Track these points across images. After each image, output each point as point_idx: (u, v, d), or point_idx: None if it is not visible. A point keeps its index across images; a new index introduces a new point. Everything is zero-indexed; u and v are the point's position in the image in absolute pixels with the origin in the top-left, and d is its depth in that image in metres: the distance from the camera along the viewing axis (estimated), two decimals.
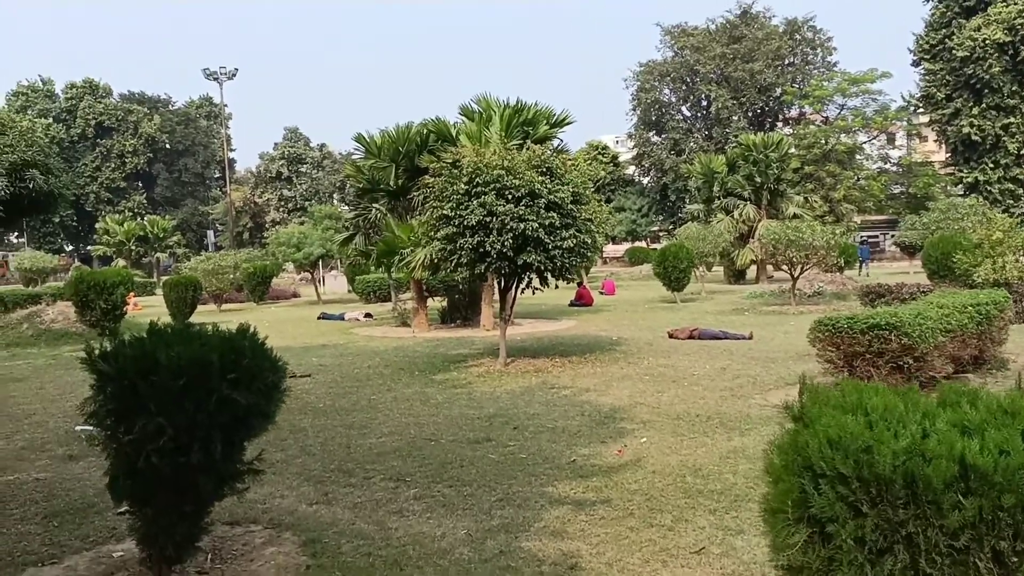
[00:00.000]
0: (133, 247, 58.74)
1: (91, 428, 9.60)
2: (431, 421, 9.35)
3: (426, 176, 15.17)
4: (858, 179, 49.25)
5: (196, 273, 27.90)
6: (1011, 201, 45.49)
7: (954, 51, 46.04)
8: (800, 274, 22.34)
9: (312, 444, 8.40)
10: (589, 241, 13.05)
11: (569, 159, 13.78)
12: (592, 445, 7.89)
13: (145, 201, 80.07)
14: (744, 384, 10.92)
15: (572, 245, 12.60)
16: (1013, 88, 45.35)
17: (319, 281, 36.08)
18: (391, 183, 20.01)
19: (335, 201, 74.08)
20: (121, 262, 55.49)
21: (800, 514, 2.91)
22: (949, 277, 21.75)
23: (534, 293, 13.72)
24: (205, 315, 25.92)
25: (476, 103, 19.57)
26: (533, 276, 12.96)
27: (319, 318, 24.58)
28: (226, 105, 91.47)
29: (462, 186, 12.54)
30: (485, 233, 12.32)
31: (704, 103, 58.27)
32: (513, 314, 20.67)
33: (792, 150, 35.75)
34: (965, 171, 47.35)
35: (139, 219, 64.44)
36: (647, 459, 7.27)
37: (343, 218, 35.40)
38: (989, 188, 45.70)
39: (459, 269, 12.99)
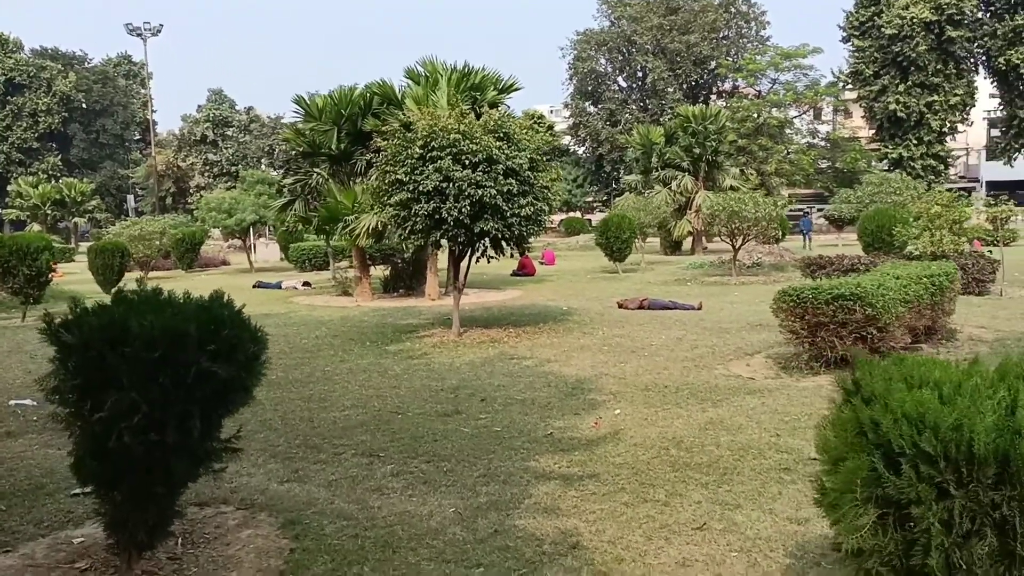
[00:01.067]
0: (49, 211, 56.18)
1: (27, 402, 9.07)
2: (393, 393, 9.03)
3: (376, 139, 14.68)
4: (788, 153, 50.09)
5: (122, 239, 26.68)
6: (932, 177, 46.94)
7: (882, 29, 47.04)
8: (741, 245, 22.55)
9: (272, 418, 8.01)
10: (546, 209, 12.82)
11: (526, 125, 13.47)
12: (566, 417, 7.70)
13: (60, 163, 76.45)
14: (704, 354, 10.88)
15: (530, 213, 12.34)
16: (938, 67, 46.63)
17: (251, 249, 35.01)
18: (333, 147, 19.36)
19: (263, 166, 72.07)
20: (36, 227, 53.00)
21: (869, 494, 2.73)
22: (884, 249, 22.31)
23: (489, 261, 13.43)
24: (132, 283, 24.94)
25: (422, 66, 19.04)
26: (489, 244, 12.64)
27: (255, 286, 23.85)
28: (146, 63, 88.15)
29: (416, 150, 12.12)
30: (441, 199, 11.96)
31: (640, 74, 58.37)
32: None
33: (728, 123, 35.93)
34: (890, 147, 48.63)
35: (55, 182, 61.62)
36: (625, 431, 7.12)
37: (276, 183, 34.39)
38: (912, 164, 47.05)
39: (413, 236, 12.58)
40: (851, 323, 9.18)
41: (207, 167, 75.56)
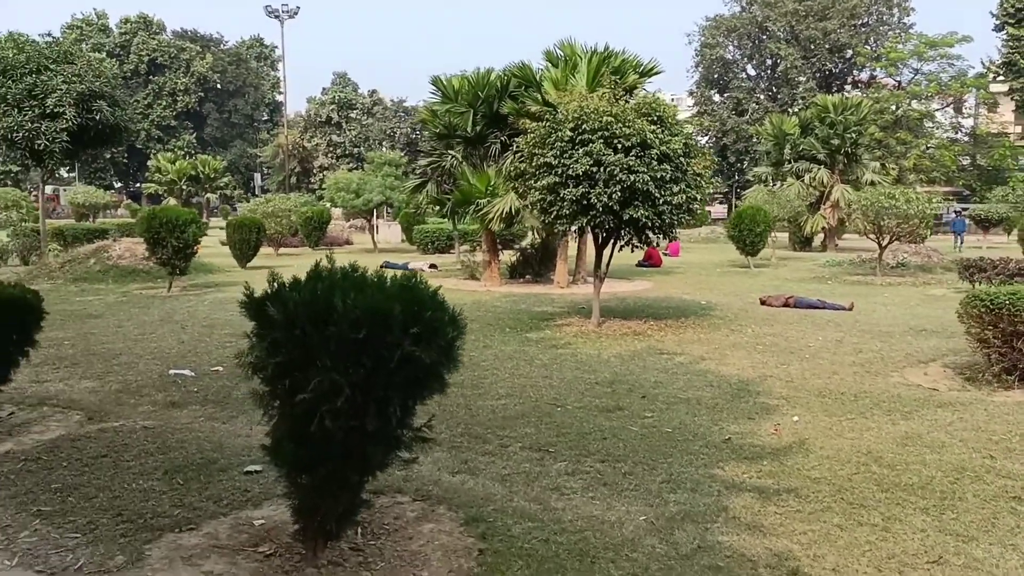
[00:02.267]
0: (184, 186, 58.63)
1: (186, 372, 9.18)
2: (546, 384, 8.69)
3: (521, 121, 14.37)
4: (928, 148, 47.33)
5: (256, 215, 27.41)
6: None
7: None
8: (888, 244, 21.26)
9: (428, 402, 7.77)
10: (698, 197, 12.22)
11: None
12: (740, 421, 7.19)
13: (195, 140, 79.91)
14: (872, 360, 10.11)
15: (682, 201, 11.79)
16: None
17: (375, 229, 35.49)
18: (468, 129, 19.19)
19: (385, 148, 73.34)
20: (172, 201, 55.45)
21: None
22: None
23: (632, 250, 12.94)
24: (264, 259, 25.61)
25: (560, 49, 18.63)
26: (635, 232, 12.13)
27: (382, 267, 23.91)
28: (276, 47, 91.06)
29: (567, 132, 11.73)
30: (590, 184, 11.54)
31: (770, 62, 56.28)
32: (586, 273, 19.97)
33: (869, 114, 34.08)
34: None
35: (190, 158, 64.32)
36: (811, 441, 6.55)
37: (401, 164, 34.72)
38: None
39: (559, 221, 12.21)
40: None
41: (331, 148, 77.47)
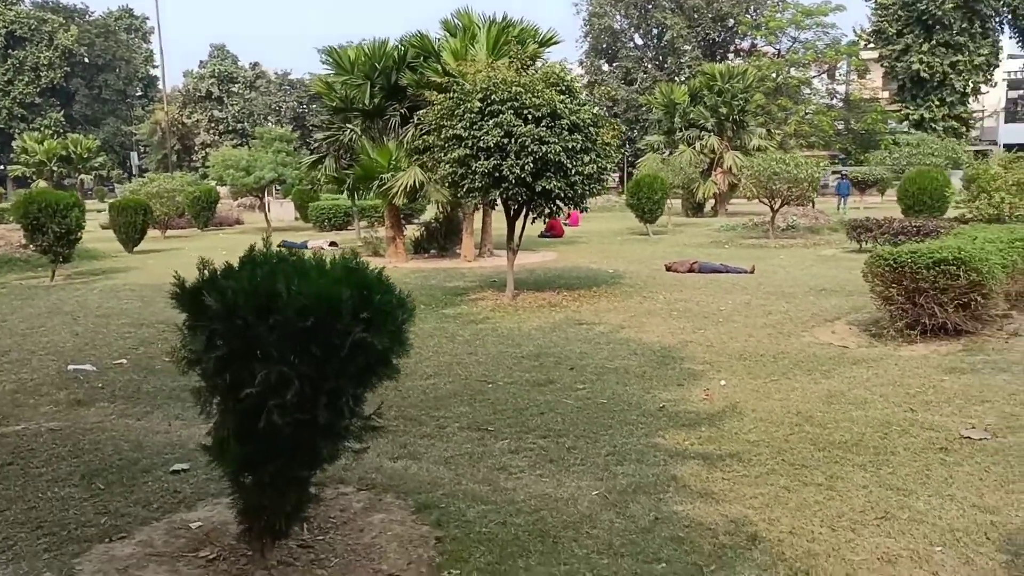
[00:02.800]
0: (55, 168, 55.33)
1: (87, 367, 8.61)
2: (472, 360, 8.58)
3: (426, 93, 14.06)
4: (806, 114, 49.24)
5: (139, 196, 26.04)
6: (953, 139, 46.13)
7: None
8: (779, 207, 21.99)
9: None
10: (608, 167, 12.27)
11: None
12: (670, 388, 7.26)
13: (63, 119, 75.25)
14: (782, 321, 10.42)
15: (593, 171, 11.80)
16: (963, 25, 45.66)
17: (266, 207, 34.34)
18: (366, 102, 18.68)
19: (271, 124, 71.04)
20: (42, 183, 52.19)
21: None
22: (926, 212, 21.78)
23: (545, 222, 12.90)
24: (151, 242, 24.44)
25: (457, 18, 18.34)
26: (549, 203, 12.08)
27: (280, 246, 23.11)
28: (147, 18, 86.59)
29: (476, 103, 11.54)
30: (501, 156, 11.41)
31: (656, 31, 57.17)
32: (492, 246, 19.89)
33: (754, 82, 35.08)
34: (911, 108, 47.80)
35: (59, 138, 60.64)
36: (743, 404, 6.68)
37: (293, 140, 33.66)
38: (934, 125, 46.30)
39: (471, 194, 12.04)
40: (953, 289, 8.70)
41: (212, 124, 74.47)
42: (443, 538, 4.38)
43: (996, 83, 50.90)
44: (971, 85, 47.20)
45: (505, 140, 11.34)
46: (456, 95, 11.91)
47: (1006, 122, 57.25)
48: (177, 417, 6.72)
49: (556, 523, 4.51)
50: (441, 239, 19.81)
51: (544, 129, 11.30)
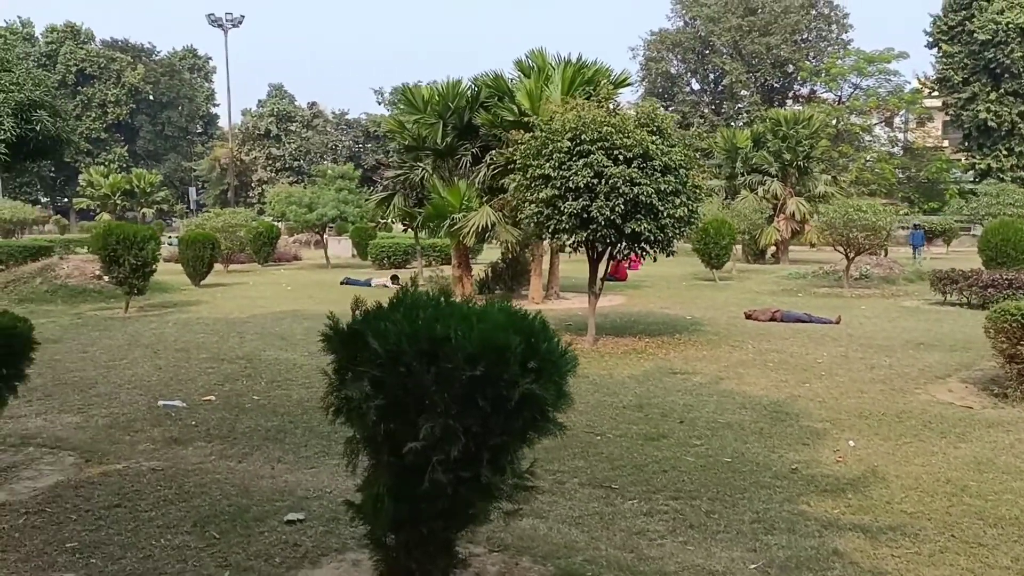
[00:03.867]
0: (118, 201, 56.50)
1: (177, 403, 8.40)
2: (572, 409, 8.15)
3: (507, 132, 13.87)
4: (868, 161, 48.37)
5: (205, 231, 26.26)
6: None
7: (975, 34, 45.15)
8: (855, 256, 21.34)
9: None
10: (699, 209, 11.91)
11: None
12: (795, 448, 6.79)
13: (126, 154, 77.13)
14: (889, 376, 9.87)
15: (684, 214, 11.44)
16: None
17: (324, 244, 34.46)
18: (438, 141, 18.62)
19: (327, 162, 72.03)
20: (106, 216, 53.31)
21: None
22: (1008, 264, 20.97)
23: (630, 266, 12.54)
24: (216, 276, 24.51)
25: (531, 59, 18.25)
26: (638, 246, 11.73)
27: (343, 283, 23.18)
28: (210, 58, 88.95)
29: (565, 143, 11.29)
30: (591, 197, 11.11)
31: (712, 76, 56.99)
32: (559, 288, 19.56)
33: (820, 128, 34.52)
34: (978, 157, 46.72)
35: (123, 172, 62.06)
36: (882, 469, 6.19)
37: (355, 178, 33.87)
38: (1002, 175, 45.06)
39: (556, 236, 11.75)
40: None
41: (270, 161, 75.63)
42: None
43: None
44: None
45: (595, 181, 11.05)
46: (544, 134, 11.68)
47: None
48: (279, 460, 6.44)
49: None
50: (508, 279, 19.53)
51: (636, 170, 10.99)
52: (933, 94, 50.38)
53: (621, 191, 10.92)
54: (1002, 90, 45.15)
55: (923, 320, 15.26)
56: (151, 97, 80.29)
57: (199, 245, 22.08)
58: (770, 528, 5.02)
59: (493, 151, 17.48)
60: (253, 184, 75.21)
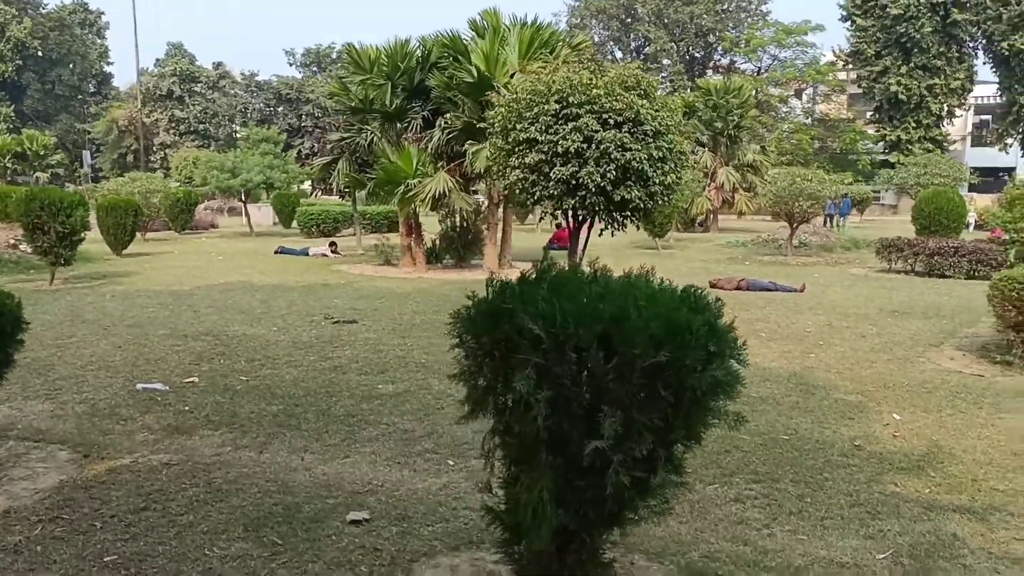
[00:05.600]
0: (8, 164, 52.78)
1: (157, 385, 7.59)
2: None
3: (491, 95, 13.24)
4: (786, 132, 49.39)
5: (118, 197, 24.55)
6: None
7: (887, 8, 46.41)
8: (799, 224, 21.60)
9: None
10: (684, 178, 11.61)
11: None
12: (845, 423, 6.56)
13: (13, 114, 72.27)
14: (887, 345, 9.83)
15: (672, 180, 11.13)
16: (940, 49, 46.26)
17: (246, 212, 32.89)
18: (387, 103, 17.78)
19: (236, 125, 69.26)
20: None
21: None
22: (940, 232, 21.63)
23: (612, 235, 12.19)
24: (135, 245, 22.95)
25: (484, 18, 17.56)
26: (627, 213, 11.37)
27: (277, 252, 22.11)
28: (103, 13, 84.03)
29: (553, 105, 10.79)
30: (580, 162, 10.66)
31: (635, 45, 56.99)
32: (512, 257, 19.07)
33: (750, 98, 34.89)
34: (888, 129, 48.27)
35: (12, 134, 58.04)
36: (944, 444, 6.01)
37: (281, 142, 32.40)
38: (910, 147, 46.72)
39: (543, 202, 11.27)
40: None
41: (173, 124, 72.11)
42: None
43: (970, 107, 51.83)
44: (946, 108, 47.86)
45: (584, 146, 10.61)
46: (529, 95, 11.13)
47: (972, 146, 58.31)
48: (305, 450, 5.80)
49: None
50: (460, 248, 18.92)
51: (626, 135, 10.59)
52: (848, 67, 51.68)
53: (612, 156, 10.52)
54: (912, 64, 46.65)
55: (880, 288, 15.47)
56: (39, 53, 75.16)
57: (121, 212, 20.61)
58: (874, 513, 4.73)
59: (448, 114, 16.80)
60: (155, 148, 71.69)
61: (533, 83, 11.27)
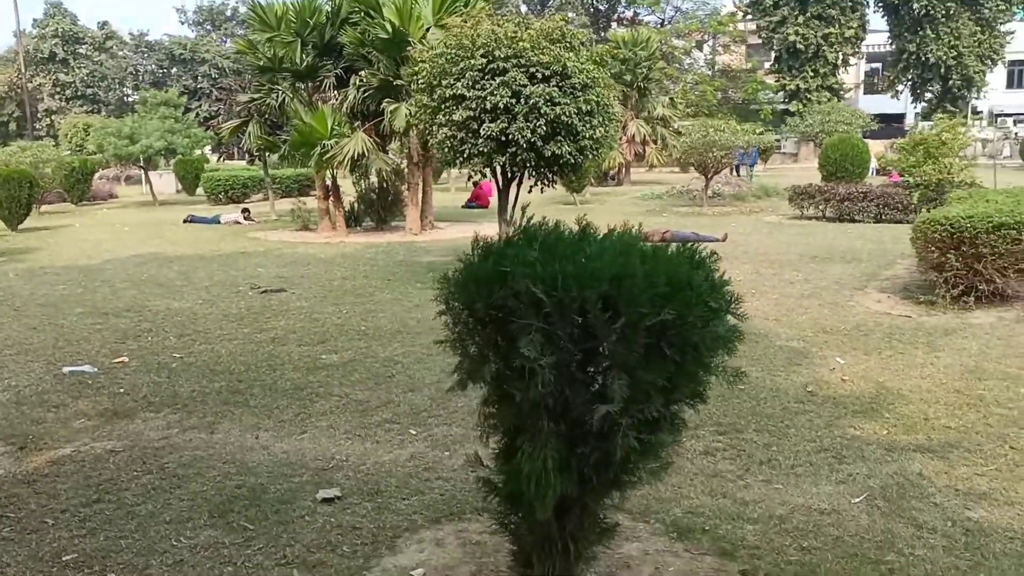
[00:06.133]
0: None
1: (85, 367, 7.17)
2: None
3: (412, 51, 12.85)
4: (690, 84, 50.01)
5: (8, 168, 23.05)
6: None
7: None
8: (713, 175, 21.96)
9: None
10: (613, 132, 11.57)
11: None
12: (793, 369, 6.70)
13: None
14: (815, 290, 10.10)
15: (602, 134, 11.07)
16: None
17: (147, 180, 31.41)
18: (297, 61, 17.12)
19: (127, 89, 66.02)
20: None
21: None
22: (846, 178, 22.33)
23: (543, 191, 12.09)
24: (31, 219, 21.66)
25: None
26: (558, 169, 11.26)
27: (187, 221, 21.22)
28: None
29: (479, 60, 10.53)
30: (509, 118, 10.47)
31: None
32: (433, 217, 18.80)
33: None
34: (787, 78, 49.40)
35: None
36: (888, 385, 6.19)
37: (181, 105, 30.95)
38: (808, 95, 47.96)
39: (473, 161, 11.05)
40: (1012, 254, 8.57)
41: (57, 89, 68.13)
42: (748, 572, 3.60)
43: (864, 55, 53.47)
44: (841, 57, 49.22)
45: (512, 101, 10.42)
46: (453, 51, 10.83)
47: (865, 94, 60.39)
48: (258, 427, 5.57)
49: (868, 544, 3.82)
50: (381, 210, 18.54)
51: (555, 89, 10.45)
52: (747, 17, 52.49)
53: (542, 111, 10.36)
54: (808, 14, 47.63)
55: (796, 234, 15.89)
56: None
57: (14, 184, 19.34)
58: (839, 457, 4.84)
59: (362, 72, 16.30)
60: (40, 115, 67.72)
61: (457, 37, 10.99)
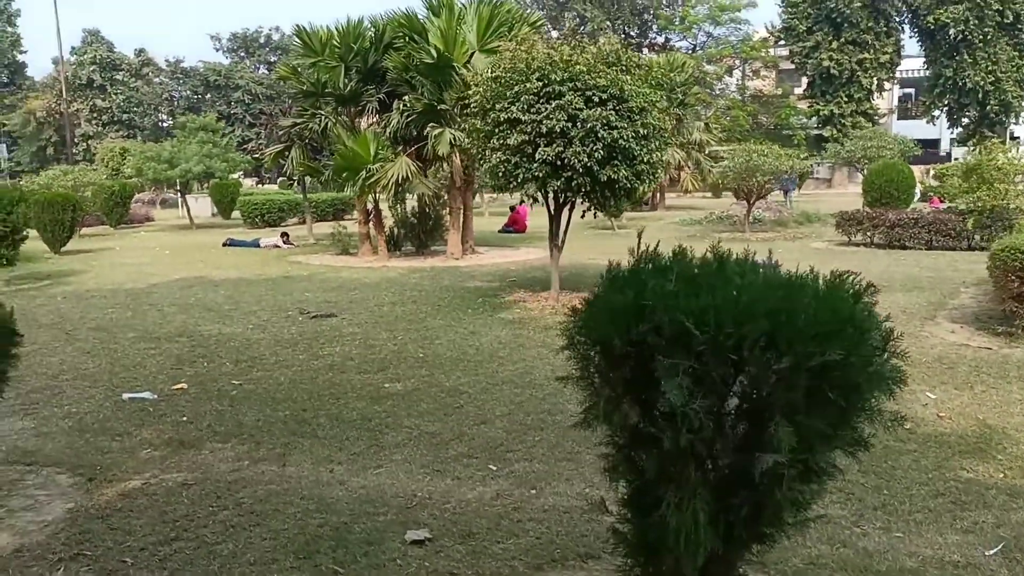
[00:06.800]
0: None
1: (145, 394, 6.99)
2: None
3: (467, 83, 12.72)
4: (722, 109, 49.78)
5: (53, 191, 23.25)
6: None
7: None
8: (755, 200, 21.64)
9: (514, 414, 6.31)
10: (667, 157, 11.33)
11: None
12: (882, 403, 6.34)
13: None
14: (888, 319, 9.70)
15: (657, 159, 10.84)
16: (869, 24, 47.07)
17: (184, 203, 31.64)
18: (340, 86, 17.10)
19: (163, 115, 66.90)
20: None
21: None
22: (891, 204, 21.91)
23: (596, 216, 11.87)
24: (73, 242, 21.77)
25: None
26: (607, 195, 11.03)
27: (226, 244, 21.21)
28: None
29: (535, 83, 10.36)
30: (565, 142, 10.27)
31: (569, 25, 56.57)
32: (474, 243, 18.62)
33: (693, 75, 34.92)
34: (821, 103, 49.02)
35: None
36: (992, 423, 5.85)
37: (219, 129, 31.16)
38: (843, 120, 47.57)
39: (527, 185, 10.86)
40: None
41: (94, 114, 69.24)
42: None
43: (897, 81, 52.99)
44: (876, 82, 48.82)
45: (568, 125, 10.22)
46: (509, 74, 10.67)
47: (899, 119, 59.81)
48: (330, 460, 5.34)
49: None
50: (422, 235, 18.40)
51: (612, 112, 10.25)
52: (780, 43, 52.26)
53: (599, 135, 10.15)
54: (843, 39, 47.36)
55: (847, 262, 15.43)
56: None
57: (59, 207, 19.44)
58: (959, 503, 4.52)
59: (406, 96, 16.24)
60: (77, 139, 68.73)
61: (512, 60, 10.84)
